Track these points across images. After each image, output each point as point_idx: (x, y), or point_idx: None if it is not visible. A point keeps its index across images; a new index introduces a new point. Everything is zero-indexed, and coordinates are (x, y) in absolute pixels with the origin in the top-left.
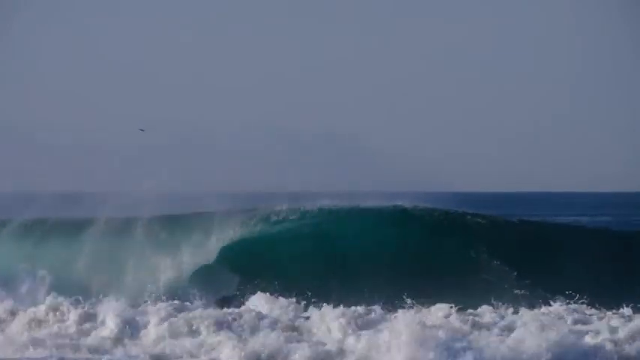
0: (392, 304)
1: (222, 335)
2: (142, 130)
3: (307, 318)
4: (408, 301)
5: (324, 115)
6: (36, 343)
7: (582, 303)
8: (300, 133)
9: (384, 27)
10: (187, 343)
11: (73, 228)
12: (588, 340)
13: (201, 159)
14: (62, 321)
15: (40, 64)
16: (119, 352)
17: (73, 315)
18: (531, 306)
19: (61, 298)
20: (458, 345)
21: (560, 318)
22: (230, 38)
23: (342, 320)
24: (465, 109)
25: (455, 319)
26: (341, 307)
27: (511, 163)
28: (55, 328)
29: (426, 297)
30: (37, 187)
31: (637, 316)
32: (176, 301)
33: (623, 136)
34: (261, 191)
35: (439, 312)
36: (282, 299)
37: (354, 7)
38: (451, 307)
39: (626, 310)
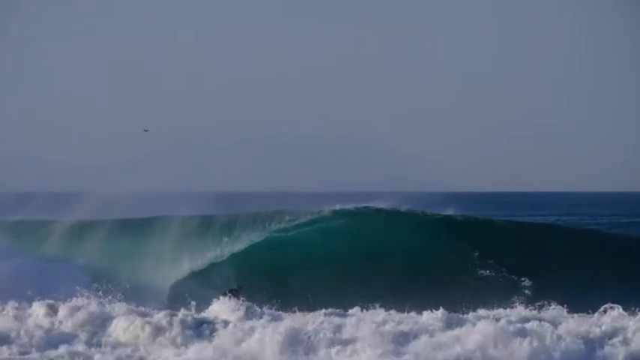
0: (365, 306)
1: (181, 339)
2: (145, 130)
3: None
4: (377, 304)
5: (324, 115)
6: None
7: (552, 306)
8: (300, 134)
9: (384, 27)
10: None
11: (50, 228)
12: (555, 341)
13: (201, 159)
14: (26, 322)
15: (40, 64)
16: (81, 352)
17: (36, 316)
18: (508, 306)
19: (24, 302)
20: (422, 348)
21: (529, 319)
22: (231, 38)
23: (314, 324)
24: (465, 110)
25: (427, 321)
26: (322, 311)
27: (512, 162)
28: (19, 327)
29: (399, 298)
30: (35, 187)
31: (612, 315)
32: (141, 307)
33: (623, 136)
34: (261, 191)
35: (412, 316)
36: (244, 303)
37: (353, 8)
38: (433, 311)
39: (597, 315)
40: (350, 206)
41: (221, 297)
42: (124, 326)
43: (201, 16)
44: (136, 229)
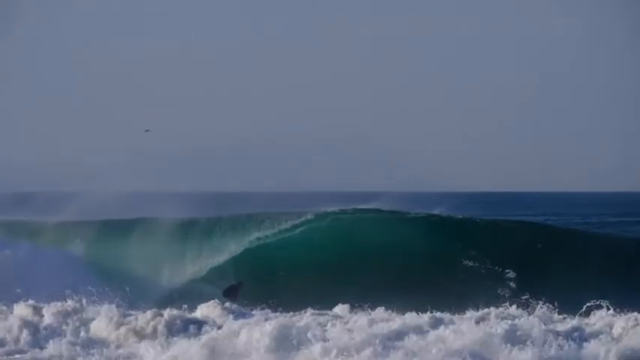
0: (353, 306)
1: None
2: (147, 130)
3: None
4: (365, 304)
5: (324, 115)
6: None
7: (541, 305)
8: (300, 134)
9: (384, 27)
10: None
11: (46, 227)
12: (546, 341)
13: (200, 160)
14: (10, 321)
15: (40, 64)
16: (66, 352)
17: (20, 316)
18: (496, 305)
19: (9, 303)
20: (410, 348)
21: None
22: (231, 39)
23: (302, 324)
24: (464, 110)
25: (416, 321)
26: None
27: (512, 162)
28: (4, 327)
29: (388, 298)
30: (35, 188)
31: (600, 314)
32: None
33: (623, 136)
34: (261, 192)
35: (400, 316)
36: (233, 306)
37: (353, 8)
38: (421, 312)
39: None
40: (336, 208)
41: (222, 294)
42: (110, 326)
43: (201, 17)
44: (128, 229)
